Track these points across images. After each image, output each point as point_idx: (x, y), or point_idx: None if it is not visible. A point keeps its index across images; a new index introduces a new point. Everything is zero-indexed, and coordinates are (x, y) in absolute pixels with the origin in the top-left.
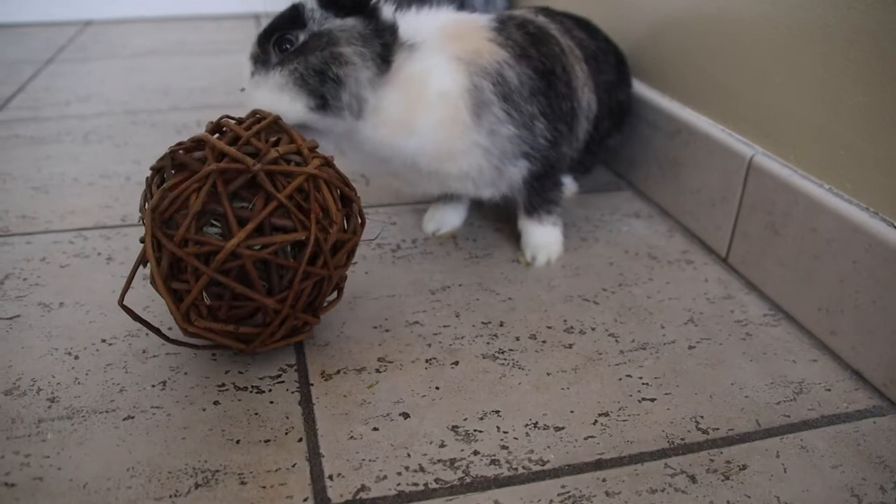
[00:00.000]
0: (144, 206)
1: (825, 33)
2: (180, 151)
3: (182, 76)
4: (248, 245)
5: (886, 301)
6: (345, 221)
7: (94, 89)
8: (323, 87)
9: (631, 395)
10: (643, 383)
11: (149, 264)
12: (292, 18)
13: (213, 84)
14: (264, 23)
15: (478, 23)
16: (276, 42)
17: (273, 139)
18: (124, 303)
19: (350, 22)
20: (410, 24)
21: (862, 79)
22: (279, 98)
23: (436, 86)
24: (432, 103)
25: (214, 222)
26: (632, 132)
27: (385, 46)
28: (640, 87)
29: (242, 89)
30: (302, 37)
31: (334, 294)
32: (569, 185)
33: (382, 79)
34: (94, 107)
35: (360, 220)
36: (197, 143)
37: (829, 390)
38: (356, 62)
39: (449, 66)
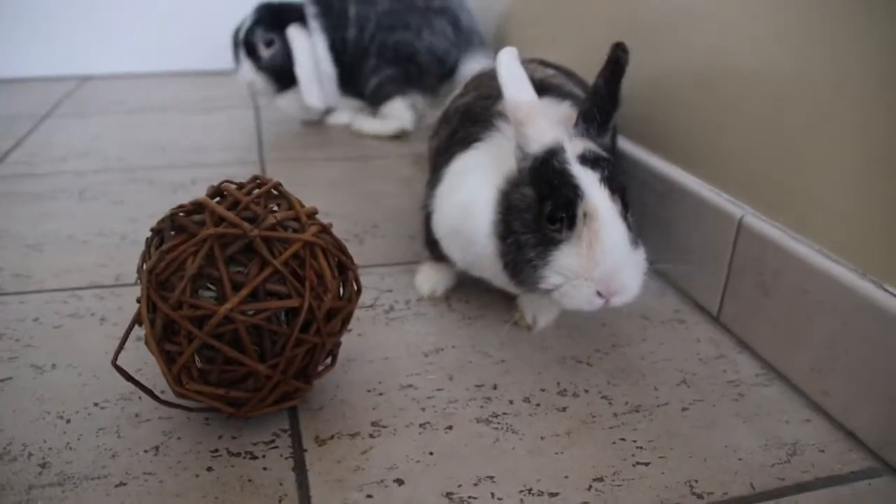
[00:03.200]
0: (142, 266)
1: (810, 90)
2: (180, 214)
3: (178, 133)
4: (241, 310)
5: (877, 362)
6: (340, 289)
7: (90, 145)
8: None
9: (625, 459)
10: (637, 447)
11: (143, 325)
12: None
13: (208, 142)
14: None
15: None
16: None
17: (272, 205)
18: (117, 363)
19: None
20: None
21: (848, 139)
22: None
23: None
24: None
25: (210, 286)
26: None
27: None
28: (629, 146)
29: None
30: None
31: (328, 360)
32: None
33: None
34: (90, 163)
35: (355, 288)
36: (197, 207)
37: (823, 451)
38: None
39: None
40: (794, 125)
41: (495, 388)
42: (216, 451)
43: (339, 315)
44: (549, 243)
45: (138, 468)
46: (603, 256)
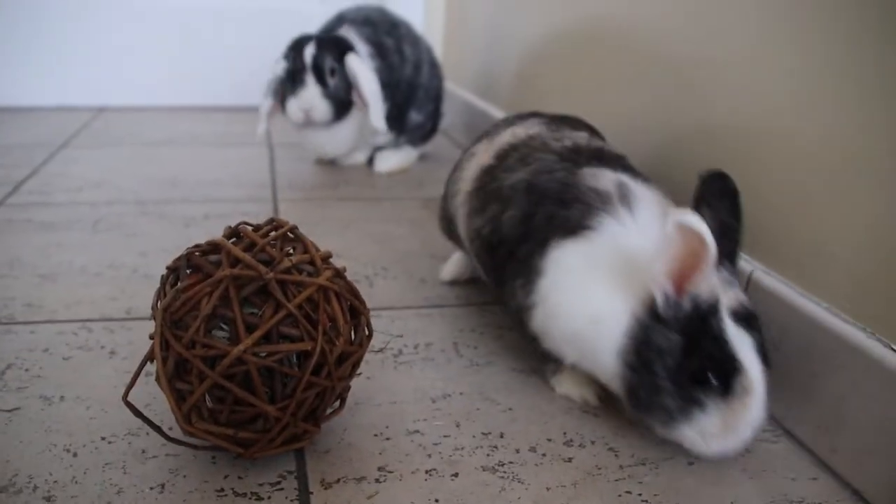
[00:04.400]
0: (157, 304)
1: (827, 148)
2: (196, 253)
3: (192, 167)
4: (254, 352)
5: (885, 421)
6: (352, 333)
7: (105, 176)
8: None
9: None
10: (643, 500)
11: (155, 362)
12: None
13: (222, 177)
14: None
15: None
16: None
17: (288, 248)
18: (127, 399)
19: None
20: None
21: (861, 197)
22: None
23: None
24: None
25: (223, 326)
26: None
27: None
28: None
29: None
30: None
31: (337, 403)
32: None
33: None
34: (104, 194)
35: (367, 333)
36: (213, 247)
37: None
38: None
39: None
40: (808, 183)
41: (502, 436)
42: (222, 490)
43: (350, 359)
44: (692, 401)
45: None
46: (745, 431)
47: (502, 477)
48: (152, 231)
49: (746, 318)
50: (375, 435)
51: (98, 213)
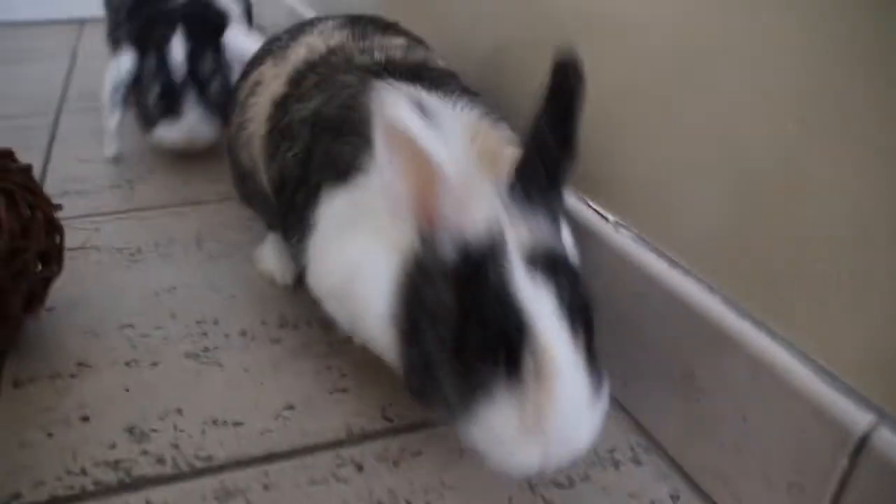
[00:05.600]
0: None
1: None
2: None
3: None
4: None
5: None
6: (25, 229)
7: None
8: None
9: (325, 387)
10: (342, 374)
11: None
12: None
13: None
14: None
15: None
16: None
17: None
18: None
19: None
20: None
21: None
22: None
23: None
24: None
25: None
26: None
27: None
28: None
29: None
30: None
31: (31, 304)
32: None
33: None
34: None
35: (50, 227)
36: None
37: None
38: None
39: None
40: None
41: (216, 322)
42: None
43: (23, 255)
44: (475, 386)
45: None
46: (554, 424)
47: (203, 362)
48: None
49: (546, 263)
50: (85, 332)
51: None
